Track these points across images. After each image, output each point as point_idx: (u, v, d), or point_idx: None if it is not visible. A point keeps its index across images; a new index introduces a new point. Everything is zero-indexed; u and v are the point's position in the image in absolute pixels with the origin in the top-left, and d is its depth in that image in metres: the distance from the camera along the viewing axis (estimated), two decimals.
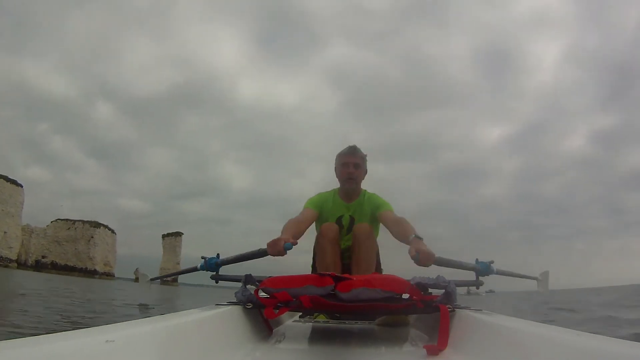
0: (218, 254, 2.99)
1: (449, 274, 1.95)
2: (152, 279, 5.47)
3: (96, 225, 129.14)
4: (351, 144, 2.79)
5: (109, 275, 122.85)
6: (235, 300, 1.93)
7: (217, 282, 3.01)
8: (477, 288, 2.72)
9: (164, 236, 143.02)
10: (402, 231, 2.41)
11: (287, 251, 2.18)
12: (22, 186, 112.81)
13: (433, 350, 1.49)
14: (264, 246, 2.31)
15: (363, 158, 2.80)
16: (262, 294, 1.93)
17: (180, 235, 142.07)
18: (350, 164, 2.74)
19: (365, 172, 2.84)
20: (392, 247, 2.61)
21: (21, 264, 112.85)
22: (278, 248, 2.17)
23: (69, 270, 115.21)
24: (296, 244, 2.21)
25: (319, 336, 2.54)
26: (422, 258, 2.10)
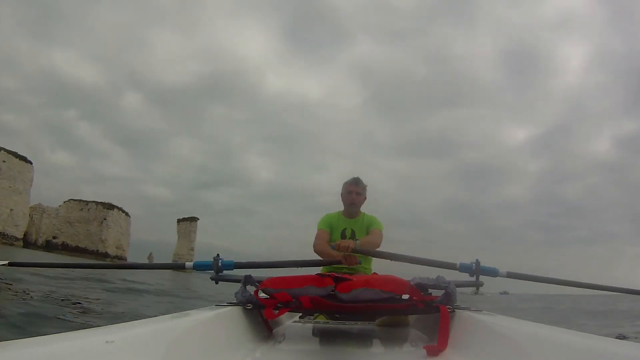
0: (218, 254, 2.96)
1: (448, 273, 1.94)
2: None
3: (110, 207, 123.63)
4: (355, 176, 3.41)
5: (120, 259, 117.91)
6: (235, 301, 1.94)
7: (216, 283, 2.99)
8: (477, 289, 2.71)
9: (179, 221, 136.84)
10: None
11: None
12: (31, 163, 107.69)
13: (433, 351, 1.50)
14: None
15: (364, 188, 3.40)
16: (262, 295, 1.94)
17: (196, 221, 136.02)
18: (354, 192, 3.32)
19: (365, 199, 3.43)
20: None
21: (31, 244, 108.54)
22: (354, 260, 2.79)
23: (80, 252, 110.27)
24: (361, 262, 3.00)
25: (319, 337, 2.55)
26: (338, 244, 2.75)
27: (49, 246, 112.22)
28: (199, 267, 2.97)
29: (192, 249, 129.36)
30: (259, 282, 1.97)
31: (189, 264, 3.06)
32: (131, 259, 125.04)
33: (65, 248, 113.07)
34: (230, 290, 2.08)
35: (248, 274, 2.06)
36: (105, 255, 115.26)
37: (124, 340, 0.94)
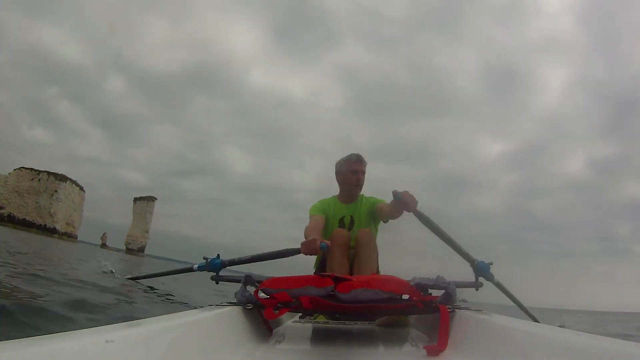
0: (218, 255, 2.98)
1: (448, 273, 1.96)
2: (131, 278, 5.45)
3: (62, 178, 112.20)
4: (355, 152, 3.01)
5: (70, 237, 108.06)
6: (235, 301, 1.93)
7: (217, 283, 3.00)
8: (477, 289, 2.78)
9: (135, 200, 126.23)
10: (390, 206, 2.75)
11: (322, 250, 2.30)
12: None
13: (433, 351, 1.50)
14: (279, 247, 2.84)
15: (365, 166, 3.04)
16: (261, 295, 1.93)
17: (154, 200, 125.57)
18: (360, 172, 2.98)
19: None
20: (389, 250, 3.02)
21: None
22: (314, 246, 2.29)
23: (27, 225, 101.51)
24: (329, 245, 2.31)
25: (318, 337, 2.54)
26: (406, 195, 2.46)
27: None
28: (200, 268, 3.06)
29: (147, 231, 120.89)
30: (259, 282, 1.96)
31: (195, 266, 3.18)
32: (82, 237, 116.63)
33: (11, 220, 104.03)
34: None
35: (248, 274, 2.05)
36: (53, 231, 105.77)
37: (124, 340, 0.94)
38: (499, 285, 2.94)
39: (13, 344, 0.75)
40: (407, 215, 2.63)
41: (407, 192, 2.51)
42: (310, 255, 2.50)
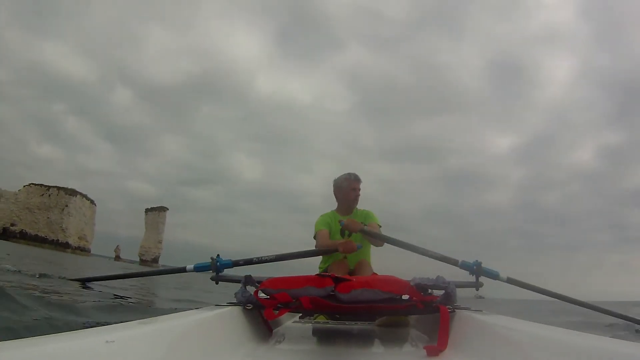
0: (218, 254, 2.98)
1: (448, 273, 1.96)
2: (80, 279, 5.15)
3: (72, 193, 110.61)
4: (352, 172, 3.47)
5: (83, 251, 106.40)
6: (235, 301, 1.93)
7: (217, 283, 3.01)
8: (477, 289, 2.77)
9: (147, 211, 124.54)
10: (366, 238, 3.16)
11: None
12: None
13: (433, 351, 1.50)
14: (289, 251, 3.09)
15: (360, 183, 3.48)
16: (261, 295, 1.93)
17: (165, 211, 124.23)
18: (358, 189, 3.41)
19: None
20: (389, 250, 3.15)
21: None
22: (352, 246, 2.93)
23: (39, 241, 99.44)
24: (362, 246, 3.03)
25: (319, 337, 2.55)
26: (347, 221, 3.09)
27: (5, 234, 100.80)
28: (199, 268, 3.05)
29: (160, 242, 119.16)
30: (259, 282, 1.96)
31: (189, 266, 3.14)
32: (95, 250, 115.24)
33: (23, 236, 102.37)
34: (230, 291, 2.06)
35: (248, 273, 2.05)
36: (66, 245, 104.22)
37: (124, 340, 0.94)
38: (511, 281, 2.85)
39: (13, 344, 0.76)
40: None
41: (348, 219, 3.18)
42: (348, 253, 2.99)
